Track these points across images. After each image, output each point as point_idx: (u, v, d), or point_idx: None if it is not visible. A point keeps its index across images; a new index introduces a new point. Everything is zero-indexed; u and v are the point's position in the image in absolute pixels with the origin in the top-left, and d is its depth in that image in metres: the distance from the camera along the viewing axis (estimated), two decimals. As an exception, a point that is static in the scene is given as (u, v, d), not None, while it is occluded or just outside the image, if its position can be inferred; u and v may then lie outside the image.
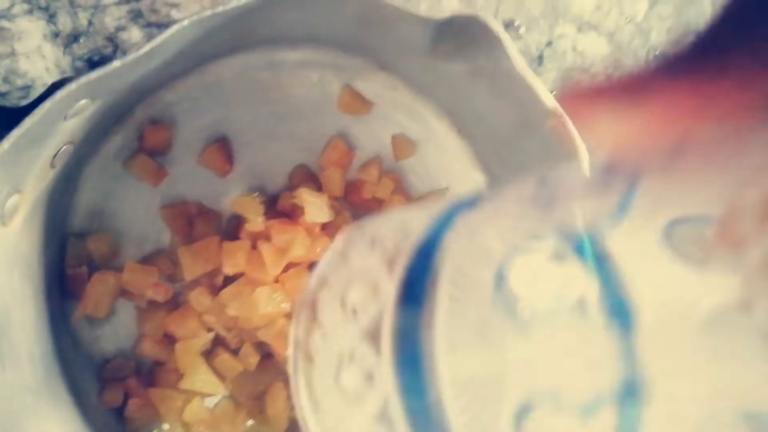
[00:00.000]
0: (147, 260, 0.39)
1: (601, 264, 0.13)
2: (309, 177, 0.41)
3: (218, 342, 0.39)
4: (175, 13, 0.40)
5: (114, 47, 0.39)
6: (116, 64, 0.28)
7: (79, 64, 0.39)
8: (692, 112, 0.13)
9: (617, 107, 0.14)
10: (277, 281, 0.37)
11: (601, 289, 0.13)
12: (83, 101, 0.30)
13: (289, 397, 0.39)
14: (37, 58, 0.38)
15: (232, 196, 0.40)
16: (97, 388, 0.38)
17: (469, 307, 0.14)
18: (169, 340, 0.38)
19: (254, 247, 0.37)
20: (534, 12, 0.44)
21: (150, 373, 0.39)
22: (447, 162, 0.42)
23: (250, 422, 0.39)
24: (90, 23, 0.39)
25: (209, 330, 0.38)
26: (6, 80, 0.38)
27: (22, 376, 0.33)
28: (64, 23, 0.38)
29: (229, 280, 0.38)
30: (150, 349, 0.38)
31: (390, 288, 0.15)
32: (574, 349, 0.13)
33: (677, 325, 0.12)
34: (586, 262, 0.13)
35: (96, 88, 0.29)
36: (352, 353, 0.16)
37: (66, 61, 0.39)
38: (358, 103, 0.40)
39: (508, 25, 0.44)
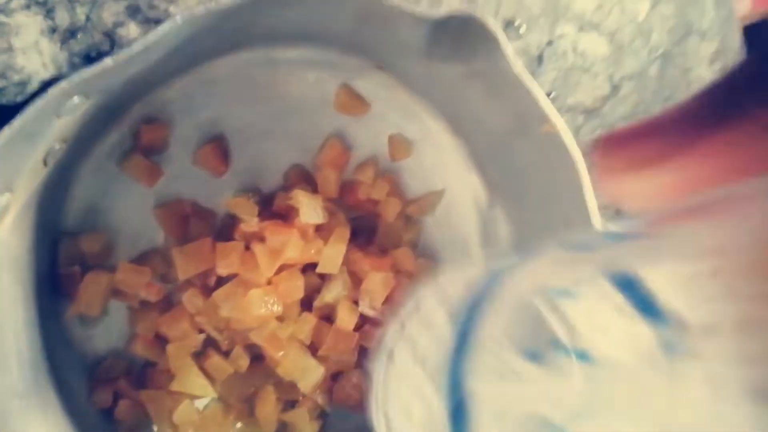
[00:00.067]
0: (140, 260, 0.39)
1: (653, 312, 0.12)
2: (304, 177, 0.40)
3: (209, 343, 0.39)
4: (173, 9, 0.39)
5: (111, 43, 0.39)
6: (108, 61, 0.28)
7: (76, 60, 0.39)
8: (733, 169, 0.12)
9: (651, 162, 0.13)
10: (270, 283, 0.37)
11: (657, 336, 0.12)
12: (76, 99, 0.29)
13: (278, 400, 0.39)
14: (34, 53, 0.38)
15: (227, 195, 0.40)
16: (86, 389, 0.38)
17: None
18: (161, 340, 0.38)
19: (248, 248, 0.37)
20: (534, 11, 0.43)
21: (141, 375, 0.39)
22: (443, 162, 0.41)
23: (239, 425, 0.39)
24: (88, 18, 0.38)
25: (200, 331, 0.38)
26: (3, 76, 0.38)
27: (11, 379, 0.32)
28: (62, 18, 0.38)
29: (222, 281, 0.38)
30: (142, 349, 0.38)
31: (449, 341, 0.16)
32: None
33: None
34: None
35: (89, 86, 0.29)
36: (421, 393, 0.16)
37: (63, 57, 0.38)
38: (355, 102, 0.40)
39: (508, 24, 0.43)
